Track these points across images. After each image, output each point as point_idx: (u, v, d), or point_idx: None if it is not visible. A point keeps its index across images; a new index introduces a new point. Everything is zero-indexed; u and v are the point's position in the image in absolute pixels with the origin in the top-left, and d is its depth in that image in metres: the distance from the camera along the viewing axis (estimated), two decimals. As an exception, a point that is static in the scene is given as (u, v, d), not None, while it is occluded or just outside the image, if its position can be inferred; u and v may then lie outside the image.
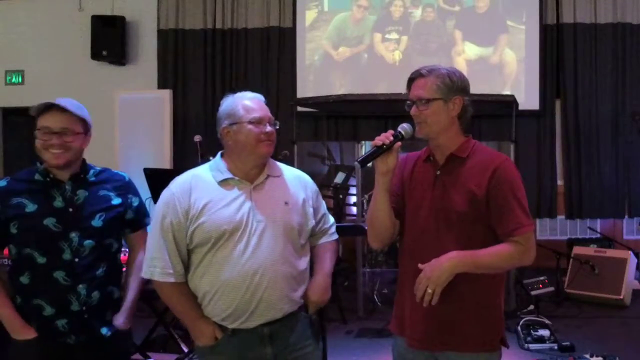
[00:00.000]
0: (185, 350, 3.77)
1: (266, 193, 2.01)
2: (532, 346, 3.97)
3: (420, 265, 1.81)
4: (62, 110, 2.02)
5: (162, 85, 6.62)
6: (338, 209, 5.52)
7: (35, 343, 2.03)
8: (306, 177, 2.16)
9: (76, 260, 2.04)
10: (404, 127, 1.91)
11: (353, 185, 5.46)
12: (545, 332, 4.11)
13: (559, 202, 6.33)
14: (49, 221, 2.03)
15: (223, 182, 1.98)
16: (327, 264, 2.15)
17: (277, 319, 1.98)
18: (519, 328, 4.18)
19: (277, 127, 2.05)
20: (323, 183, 5.69)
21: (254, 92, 2.07)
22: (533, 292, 4.67)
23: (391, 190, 1.94)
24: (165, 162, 6.19)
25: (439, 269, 1.77)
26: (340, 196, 5.64)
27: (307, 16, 6.54)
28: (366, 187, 4.90)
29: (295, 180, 2.10)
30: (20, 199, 2.04)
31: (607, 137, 6.17)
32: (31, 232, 2.02)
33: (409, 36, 6.40)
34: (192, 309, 1.99)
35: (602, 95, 6.16)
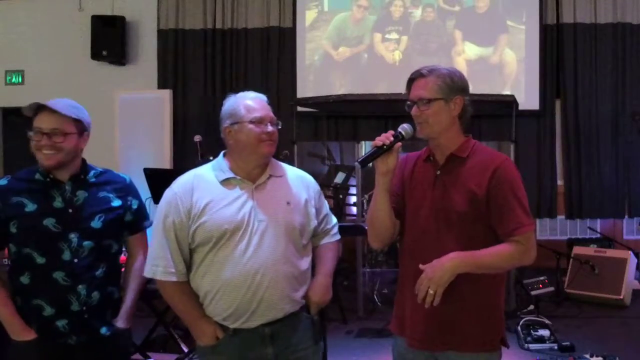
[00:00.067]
0: (185, 350, 3.77)
1: (268, 193, 2.01)
2: (532, 346, 3.97)
3: (421, 266, 1.81)
4: (53, 110, 2.02)
5: (162, 85, 6.62)
6: (338, 209, 5.52)
7: (35, 344, 2.03)
8: (309, 178, 2.16)
9: (75, 261, 2.04)
10: (404, 128, 1.91)
11: (353, 185, 5.46)
12: (545, 332, 4.11)
13: (559, 202, 6.33)
14: (49, 221, 2.03)
15: (225, 182, 1.99)
16: (328, 264, 2.15)
17: (279, 319, 1.97)
18: (519, 328, 4.18)
19: (279, 127, 2.05)
20: (323, 183, 5.69)
21: (257, 92, 2.07)
22: (533, 292, 4.67)
23: (391, 190, 1.94)
24: (165, 162, 6.19)
25: (440, 270, 1.77)
26: (340, 196, 5.64)
27: (307, 16, 6.54)
28: (366, 187, 4.90)
29: (297, 180, 2.10)
30: (20, 198, 2.04)
31: (607, 137, 6.17)
32: (31, 232, 2.02)
33: (409, 36, 6.40)
34: (194, 308, 1.99)
35: (602, 95, 6.15)
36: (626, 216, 6.24)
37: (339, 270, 4.92)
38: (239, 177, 1.99)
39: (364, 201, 4.98)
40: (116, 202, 2.15)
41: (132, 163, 5.78)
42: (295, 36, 6.52)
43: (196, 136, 5.08)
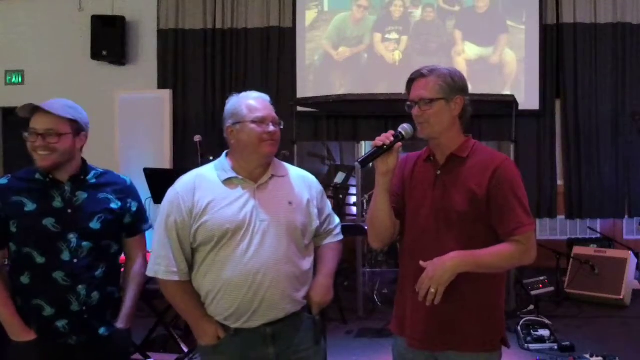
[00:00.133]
0: (185, 350, 3.77)
1: (270, 193, 2.01)
2: (532, 346, 3.97)
3: (422, 263, 1.81)
4: (47, 111, 2.01)
5: (162, 85, 6.62)
6: (338, 209, 5.52)
7: (35, 344, 2.03)
8: (311, 178, 2.16)
9: (75, 261, 2.04)
10: (404, 128, 1.91)
11: (353, 185, 5.46)
12: (545, 332, 4.11)
13: (559, 202, 6.33)
14: (48, 221, 2.03)
15: (227, 181, 1.99)
16: (330, 264, 2.15)
17: (280, 319, 1.98)
18: (519, 328, 4.18)
19: (282, 127, 2.05)
20: (323, 183, 5.62)
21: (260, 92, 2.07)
22: (533, 292, 4.67)
23: (391, 190, 1.94)
24: (165, 162, 6.19)
25: (441, 269, 1.77)
26: (340, 196, 5.63)
27: (307, 16, 6.54)
28: (366, 187, 4.90)
29: (300, 180, 2.10)
30: (20, 197, 2.04)
31: (607, 137, 6.16)
32: (30, 232, 2.03)
33: (409, 36, 6.40)
34: (196, 308, 1.99)
35: (602, 95, 6.15)
36: (626, 216, 6.24)
37: (339, 271, 4.92)
38: (241, 177, 1.99)
39: (364, 201, 4.98)
40: (115, 204, 2.15)
41: (132, 163, 5.78)
42: (295, 36, 6.52)
43: (196, 136, 5.08)
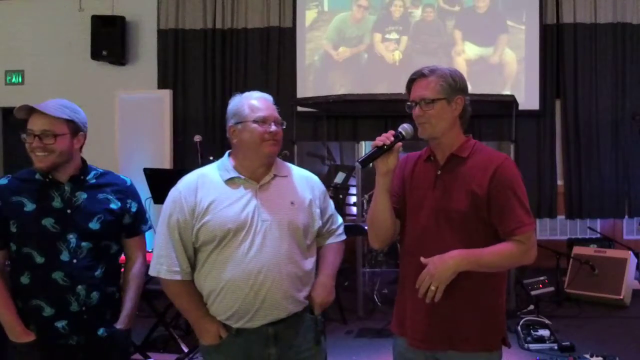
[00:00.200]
0: (185, 350, 3.77)
1: (272, 193, 2.01)
2: (532, 346, 3.97)
3: (423, 260, 1.80)
4: (43, 112, 2.01)
5: (162, 85, 6.62)
6: (338, 209, 5.49)
7: (35, 345, 2.02)
8: (314, 178, 2.16)
9: (74, 261, 2.04)
10: (404, 128, 1.91)
11: (353, 185, 5.45)
12: (545, 332, 4.11)
13: (559, 202, 6.33)
14: (47, 221, 2.03)
15: (229, 181, 1.99)
16: (331, 264, 2.15)
17: (282, 318, 1.98)
18: (519, 328, 4.18)
19: (284, 127, 2.05)
20: (323, 183, 5.67)
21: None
22: (533, 292, 4.67)
23: (392, 190, 1.94)
24: (165, 162, 6.19)
25: (442, 267, 1.77)
26: (340, 196, 5.63)
27: (307, 16, 6.54)
28: (366, 187, 4.90)
29: (302, 180, 2.11)
30: (19, 197, 2.04)
31: (607, 137, 6.17)
32: (30, 232, 2.03)
33: (409, 36, 6.40)
34: (198, 307, 1.99)
35: (602, 95, 6.15)
36: (626, 216, 6.24)
37: (339, 271, 4.92)
38: (243, 177, 2.00)
39: (364, 201, 4.98)
40: (115, 205, 2.14)
41: (132, 163, 5.78)
42: (295, 36, 6.52)
43: (196, 136, 5.08)
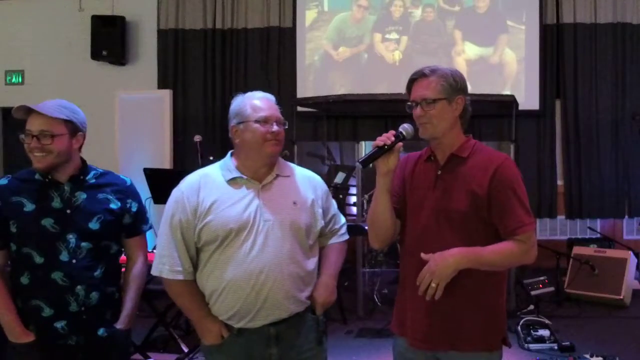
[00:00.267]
0: (185, 350, 3.77)
1: (274, 193, 2.01)
2: (532, 346, 3.97)
3: (423, 255, 1.80)
4: (40, 112, 2.01)
5: (162, 85, 6.62)
6: (338, 209, 5.51)
7: (34, 345, 2.02)
8: (317, 178, 2.16)
9: (73, 261, 2.03)
10: (405, 128, 1.91)
11: (353, 185, 5.46)
12: (545, 332, 4.11)
13: (559, 202, 6.33)
14: (47, 222, 2.03)
15: (232, 181, 1.99)
16: (334, 264, 2.15)
17: (284, 319, 1.98)
18: (519, 328, 4.18)
19: (286, 127, 2.05)
20: (323, 183, 5.67)
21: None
22: (533, 292, 4.66)
23: (392, 190, 1.94)
24: (165, 162, 6.19)
25: (443, 264, 1.77)
26: (340, 196, 5.63)
27: (307, 16, 6.54)
28: (366, 187, 4.90)
29: (305, 180, 2.11)
30: (19, 197, 2.04)
31: (607, 137, 6.16)
32: (29, 232, 2.02)
33: (409, 36, 6.40)
34: (200, 307, 1.99)
35: (602, 95, 6.15)
36: (626, 216, 6.24)
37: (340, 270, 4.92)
38: (245, 177, 2.00)
39: (364, 201, 4.98)
40: (115, 205, 2.14)
41: (132, 163, 5.78)
42: (295, 36, 6.52)
43: (196, 136, 5.08)
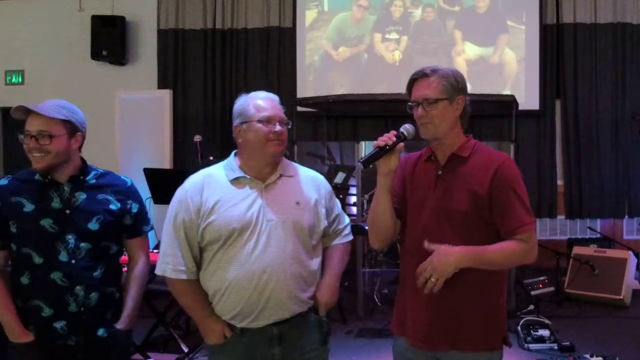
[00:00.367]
0: (185, 350, 3.77)
1: (278, 192, 2.00)
2: (532, 346, 3.97)
3: (428, 244, 1.80)
4: (39, 113, 2.00)
5: (162, 85, 6.62)
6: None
7: (34, 345, 2.02)
8: (320, 178, 2.16)
9: (73, 262, 2.03)
10: (406, 128, 1.91)
11: (353, 185, 5.46)
12: (545, 332, 4.11)
13: (559, 202, 6.33)
14: (46, 222, 2.03)
15: (235, 181, 1.99)
16: (337, 265, 2.15)
17: (286, 319, 1.97)
18: (519, 328, 4.18)
19: (289, 127, 2.05)
20: (323, 183, 5.67)
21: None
22: (533, 292, 4.66)
23: (392, 190, 1.94)
24: (165, 162, 6.19)
25: (445, 261, 1.77)
26: (340, 196, 5.63)
27: (307, 16, 6.54)
28: (366, 187, 4.90)
29: (308, 180, 2.10)
30: (19, 198, 2.04)
31: (607, 137, 6.16)
32: (29, 232, 2.02)
33: (409, 36, 6.40)
34: (203, 307, 1.99)
35: (602, 95, 6.15)
36: (626, 216, 6.24)
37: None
38: (248, 177, 1.99)
39: (364, 201, 4.98)
40: (115, 205, 2.13)
41: (132, 163, 5.78)
42: (295, 36, 6.52)
43: (196, 136, 5.08)
